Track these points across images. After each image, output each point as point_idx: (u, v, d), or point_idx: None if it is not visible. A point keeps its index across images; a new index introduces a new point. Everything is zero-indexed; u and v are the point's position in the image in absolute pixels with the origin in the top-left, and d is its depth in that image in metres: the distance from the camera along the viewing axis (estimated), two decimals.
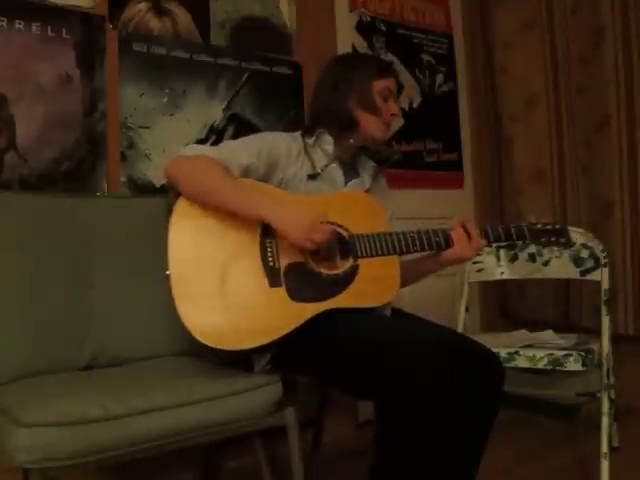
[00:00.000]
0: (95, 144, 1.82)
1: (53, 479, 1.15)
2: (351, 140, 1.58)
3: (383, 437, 1.22)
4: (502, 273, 2.17)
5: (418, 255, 1.54)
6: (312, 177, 1.53)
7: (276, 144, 1.51)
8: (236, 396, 1.31)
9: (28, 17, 1.72)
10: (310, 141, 1.57)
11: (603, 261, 1.96)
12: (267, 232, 1.38)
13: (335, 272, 1.40)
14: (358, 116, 1.57)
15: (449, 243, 1.47)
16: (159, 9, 1.97)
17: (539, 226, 1.53)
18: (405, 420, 1.18)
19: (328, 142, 1.57)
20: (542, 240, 1.53)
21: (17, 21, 1.70)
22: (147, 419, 1.19)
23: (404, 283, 1.56)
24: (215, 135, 2.05)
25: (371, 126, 1.58)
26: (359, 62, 1.64)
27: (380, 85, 1.58)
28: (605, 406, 1.77)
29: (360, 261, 1.42)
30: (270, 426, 1.39)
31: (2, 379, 1.36)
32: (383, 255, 1.43)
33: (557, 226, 1.54)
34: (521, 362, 1.78)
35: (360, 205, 1.51)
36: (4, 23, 1.68)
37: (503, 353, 1.77)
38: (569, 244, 1.55)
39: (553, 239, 1.53)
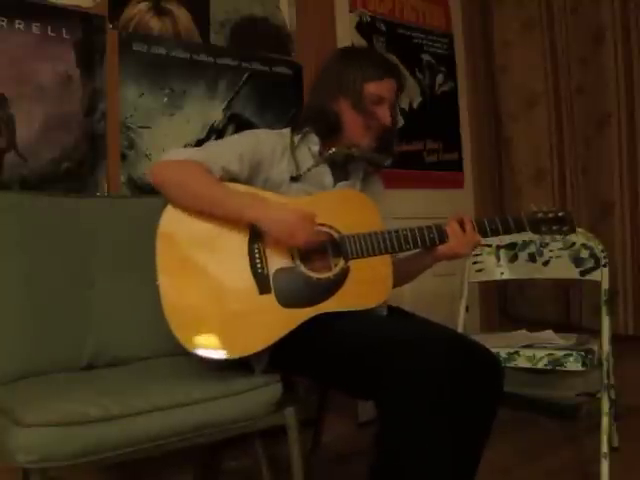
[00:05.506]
0: (95, 144, 1.82)
1: (53, 479, 1.15)
2: (333, 149, 1.50)
3: (384, 437, 1.22)
4: (502, 273, 2.17)
5: (410, 253, 1.51)
6: (294, 179, 1.48)
7: (260, 145, 1.48)
8: (236, 396, 1.31)
9: (28, 17, 1.71)
10: (296, 139, 1.53)
11: (603, 261, 1.95)
12: (256, 237, 1.36)
13: (326, 275, 1.37)
14: (345, 116, 1.50)
15: (444, 238, 1.44)
16: (159, 9, 1.97)
17: (540, 215, 1.48)
18: (406, 419, 1.18)
19: (314, 142, 1.53)
20: (542, 229, 1.47)
21: (17, 21, 1.70)
22: (147, 419, 1.19)
23: (400, 282, 1.53)
24: (215, 135, 2.05)
25: (355, 129, 1.50)
26: (355, 59, 1.55)
27: (371, 88, 1.49)
28: (605, 406, 1.77)
29: (351, 262, 1.39)
30: (270, 426, 1.39)
31: (2, 379, 1.36)
32: (375, 255, 1.40)
33: (560, 213, 1.49)
34: (521, 362, 1.78)
35: (352, 204, 1.47)
36: (4, 23, 1.68)
37: (503, 353, 1.77)
38: (572, 231, 1.48)
39: (555, 227, 1.48)
